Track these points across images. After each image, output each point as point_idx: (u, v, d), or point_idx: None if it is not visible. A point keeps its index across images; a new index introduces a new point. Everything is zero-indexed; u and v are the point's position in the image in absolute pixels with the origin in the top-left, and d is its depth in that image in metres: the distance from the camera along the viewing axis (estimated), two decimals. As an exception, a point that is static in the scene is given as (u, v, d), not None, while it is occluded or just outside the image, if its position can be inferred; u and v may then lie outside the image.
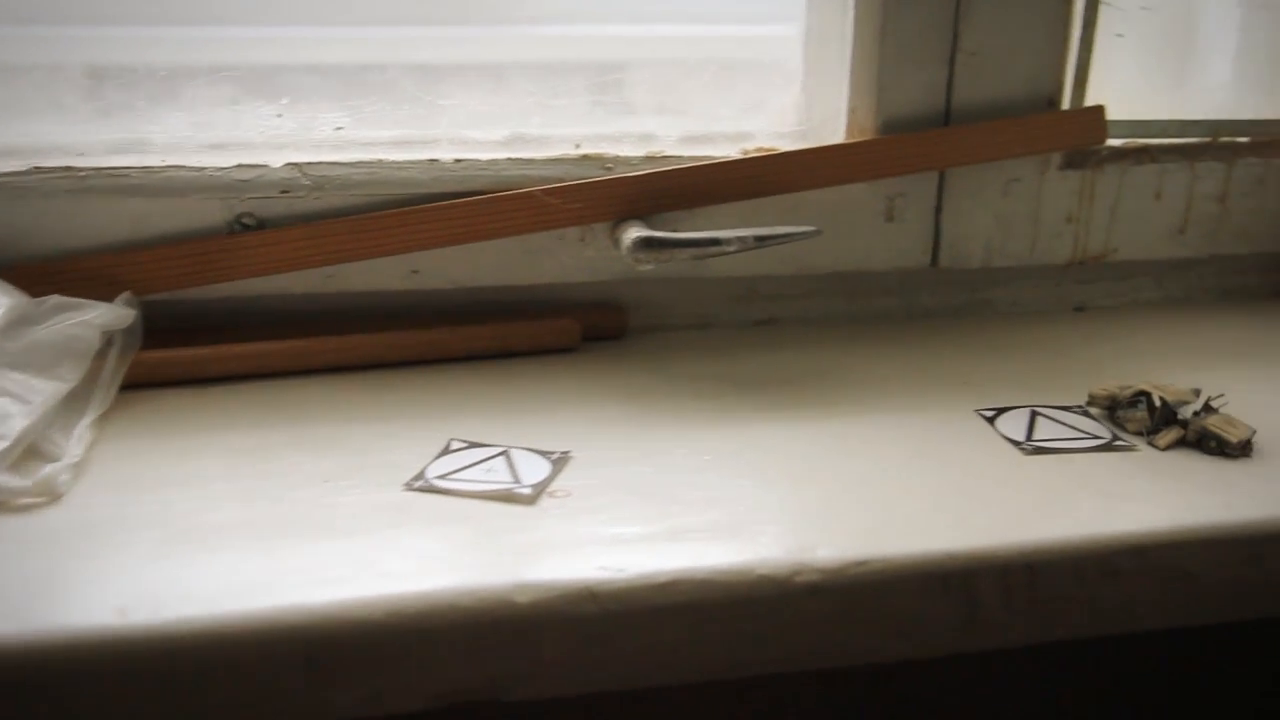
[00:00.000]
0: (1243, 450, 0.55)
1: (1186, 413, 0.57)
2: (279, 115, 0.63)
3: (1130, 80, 0.79)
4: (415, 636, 0.42)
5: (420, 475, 0.52)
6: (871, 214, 0.68)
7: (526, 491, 0.50)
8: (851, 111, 0.67)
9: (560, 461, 0.53)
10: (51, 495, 0.49)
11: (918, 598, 0.46)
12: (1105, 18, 0.70)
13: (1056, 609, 0.47)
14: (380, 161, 0.63)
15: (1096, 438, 0.57)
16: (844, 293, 0.71)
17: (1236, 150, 0.73)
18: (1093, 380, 0.61)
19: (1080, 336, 0.71)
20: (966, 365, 0.65)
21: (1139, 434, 0.57)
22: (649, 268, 0.62)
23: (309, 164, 0.62)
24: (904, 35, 0.65)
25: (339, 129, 0.64)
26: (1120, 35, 0.70)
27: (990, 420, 0.58)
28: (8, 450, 0.50)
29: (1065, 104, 0.70)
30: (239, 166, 0.61)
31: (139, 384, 0.59)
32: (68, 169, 0.60)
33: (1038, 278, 0.73)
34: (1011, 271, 0.72)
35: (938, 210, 0.69)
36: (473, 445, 0.55)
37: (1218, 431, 0.55)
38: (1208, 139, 0.73)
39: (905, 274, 0.70)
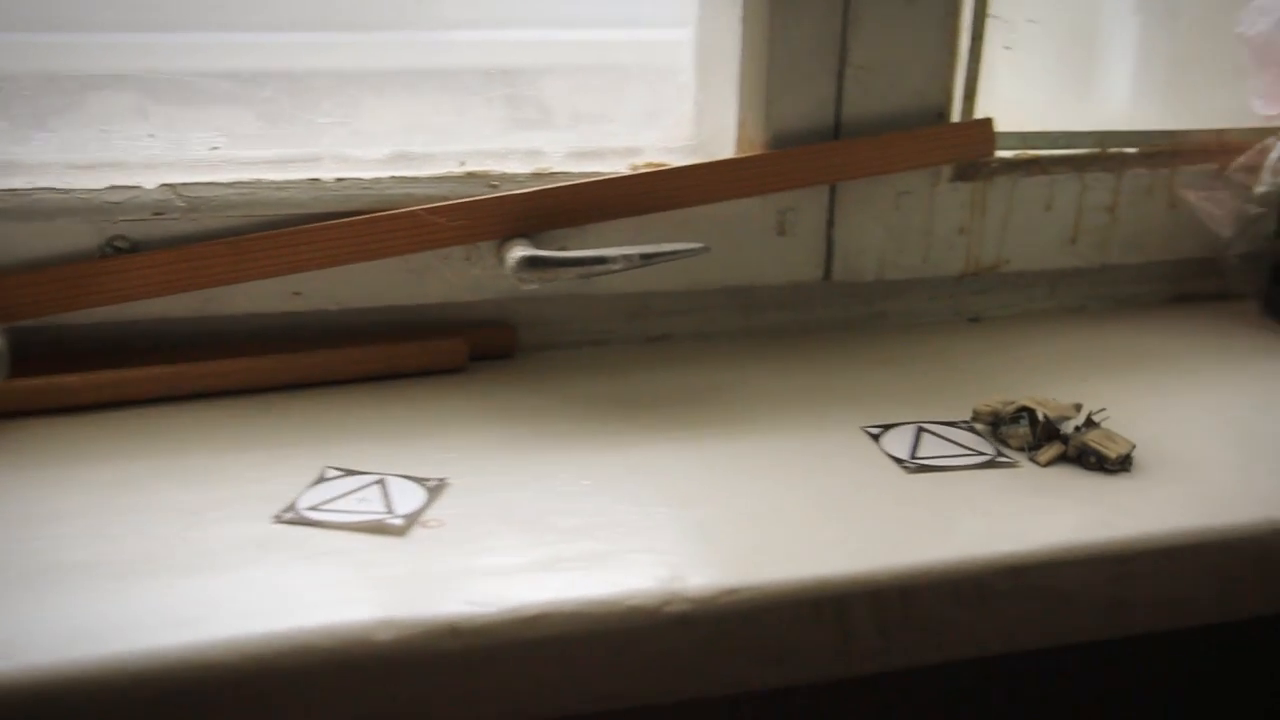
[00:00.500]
0: (1122, 465, 0.55)
1: (1068, 428, 0.57)
2: (151, 135, 0.61)
3: (1021, 92, 0.79)
4: (270, 679, 0.41)
5: (291, 506, 0.50)
6: (763, 228, 0.68)
7: (398, 522, 0.49)
8: (741, 125, 0.67)
9: (437, 489, 0.52)
10: (-100, 536, 0.47)
11: (790, 625, 0.45)
12: (994, 31, 0.70)
13: (932, 632, 0.47)
14: (258, 181, 0.61)
15: (980, 454, 0.57)
16: (738, 307, 0.70)
17: (1124, 161, 0.74)
18: (985, 393, 0.61)
19: (974, 348, 0.71)
20: (858, 380, 0.65)
21: (1021, 450, 0.57)
22: (534, 287, 0.62)
23: (183, 185, 0.60)
24: (792, 49, 0.65)
25: (214, 148, 0.62)
26: (1008, 48, 0.71)
27: (876, 438, 0.58)
28: None
29: (955, 117, 0.70)
30: (111, 188, 0.59)
31: (7, 414, 0.57)
32: (-71, 192, 0.58)
33: (932, 289, 0.73)
34: (905, 284, 0.72)
35: (829, 224, 0.69)
36: (348, 473, 0.53)
37: (1097, 447, 0.55)
38: (1096, 150, 0.74)
39: (798, 288, 0.70)
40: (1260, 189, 0.74)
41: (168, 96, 0.63)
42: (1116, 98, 0.90)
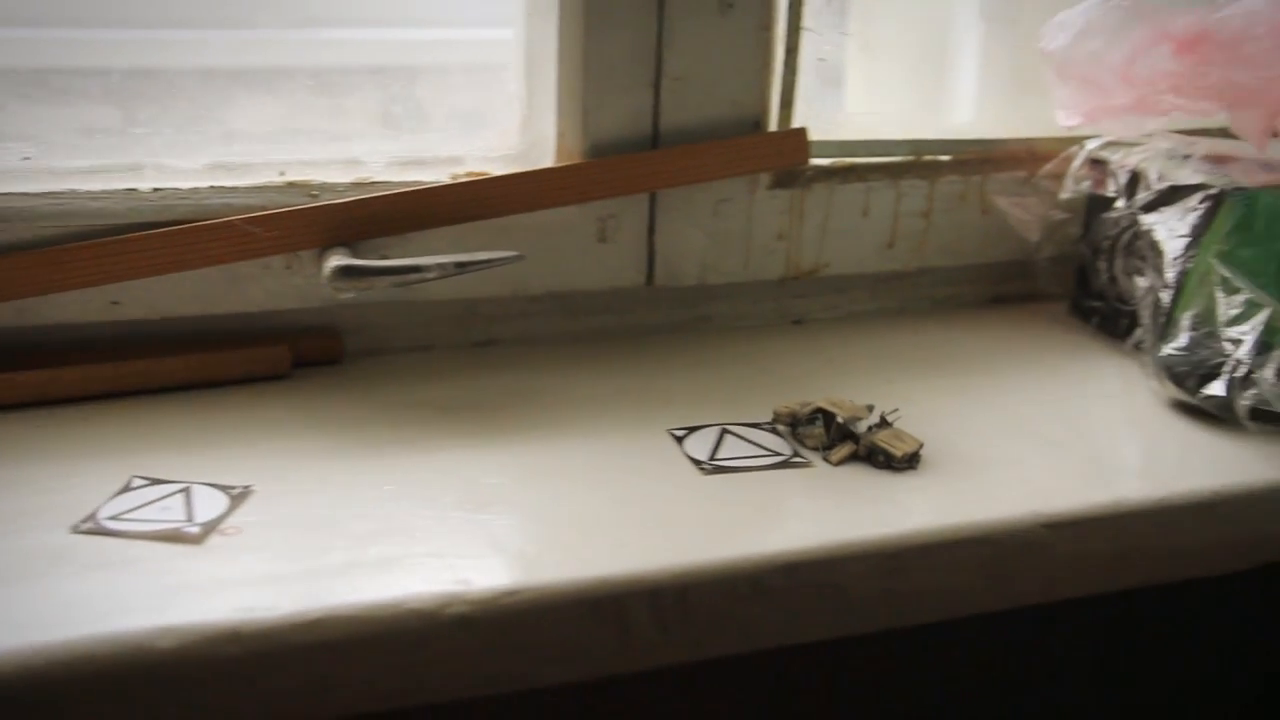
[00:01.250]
0: (908, 463, 0.58)
1: (861, 428, 0.60)
2: (-43, 146, 0.61)
3: (846, 100, 0.83)
4: (52, 689, 0.42)
5: (90, 517, 0.51)
6: (583, 235, 0.70)
7: (195, 530, 0.50)
8: (560, 136, 0.69)
9: (240, 497, 0.53)
10: None
11: (569, 624, 0.47)
12: (810, 43, 0.72)
13: (710, 628, 0.50)
14: (73, 192, 0.62)
15: (776, 455, 0.59)
16: (562, 312, 0.72)
17: (938, 169, 0.77)
18: (799, 394, 0.63)
19: (794, 349, 0.74)
20: (675, 383, 0.67)
21: (816, 450, 0.60)
22: (350, 296, 0.63)
23: (-7, 195, 0.60)
24: (607, 62, 0.67)
25: (26, 159, 0.62)
26: (823, 60, 0.73)
27: (680, 440, 0.60)
28: None
29: (772, 126, 0.72)
30: (-84, 199, 0.59)
31: None
32: None
33: (754, 293, 0.76)
34: (727, 288, 0.75)
35: (650, 230, 0.71)
36: (155, 482, 0.54)
37: (885, 446, 0.58)
38: (911, 158, 0.76)
39: (621, 293, 0.72)
40: (1064, 195, 0.77)
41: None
42: (954, 107, 0.94)
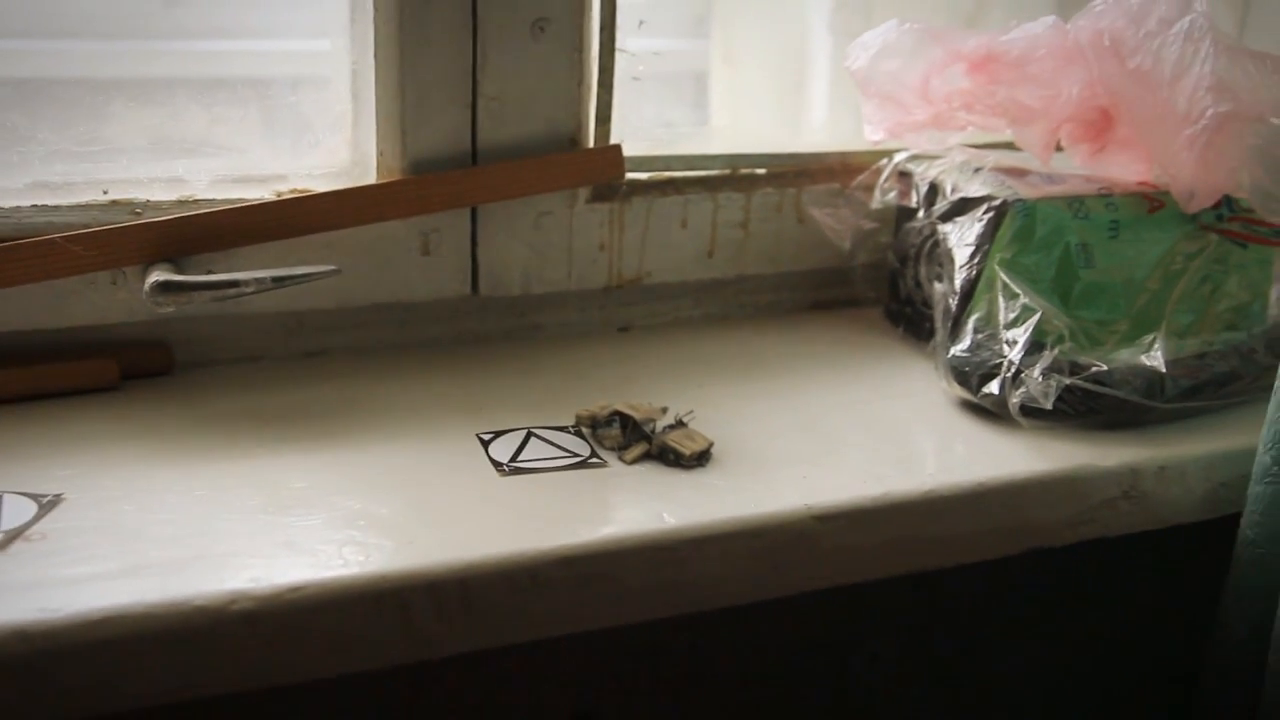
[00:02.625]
0: (698, 461, 0.62)
1: (655, 428, 0.64)
2: None
3: (661, 116, 0.87)
4: None
5: (-102, 526, 0.53)
6: (407, 249, 0.73)
7: (-1, 537, 0.53)
8: (380, 154, 0.72)
9: (49, 505, 0.56)
10: None
11: (352, 618, 0.50)
12: (623, 63, 0.76)
13: (492, 619, 0.53)
14: (-110, 212, 0.64)
15: (575, 455, 0.63)
16: (391, 322, 0.75)
17: (754, 181, 0.81)
18: (613, 397, 0.67)
19: (618, 355, 0.78)
20: (494, 389, 0.71)
21: (613, 450, 0.63)
22: (170, 310, 0.65)
23: None
24: (423, 82, 0.70)
25: None
26: (637, 79, 0.77)
27: (486, 444, 0.64)
28: None
29: (590, 143, 0.76)
30: None
31: None
32: None
33: (580, 302, 0.79)
34: (553, 297, 0.78)
35: (473, 243, 0.74)
36: (-33, 492, 0.57)
37: (675, 445, 0.62)
38: (728, 171, 0.81)
39: (447, 303, 0.75)
40: (874, 206, 0.82)
41: None
42: (808, 118, 0.98)
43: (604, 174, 0.76)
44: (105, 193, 0.68)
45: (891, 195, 0.81)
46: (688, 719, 0.69)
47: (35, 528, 0.54)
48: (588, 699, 0.67)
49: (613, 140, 0.77)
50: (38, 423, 0.64)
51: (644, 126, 0.82)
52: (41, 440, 0.62)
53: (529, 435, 0.65)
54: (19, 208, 0.66)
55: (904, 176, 0.81)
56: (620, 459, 0.62)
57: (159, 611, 0.48)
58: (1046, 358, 0.68)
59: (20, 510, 0.55)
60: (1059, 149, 0.77)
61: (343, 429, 0.65)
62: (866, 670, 0.72)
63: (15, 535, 0.53)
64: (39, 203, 0.66)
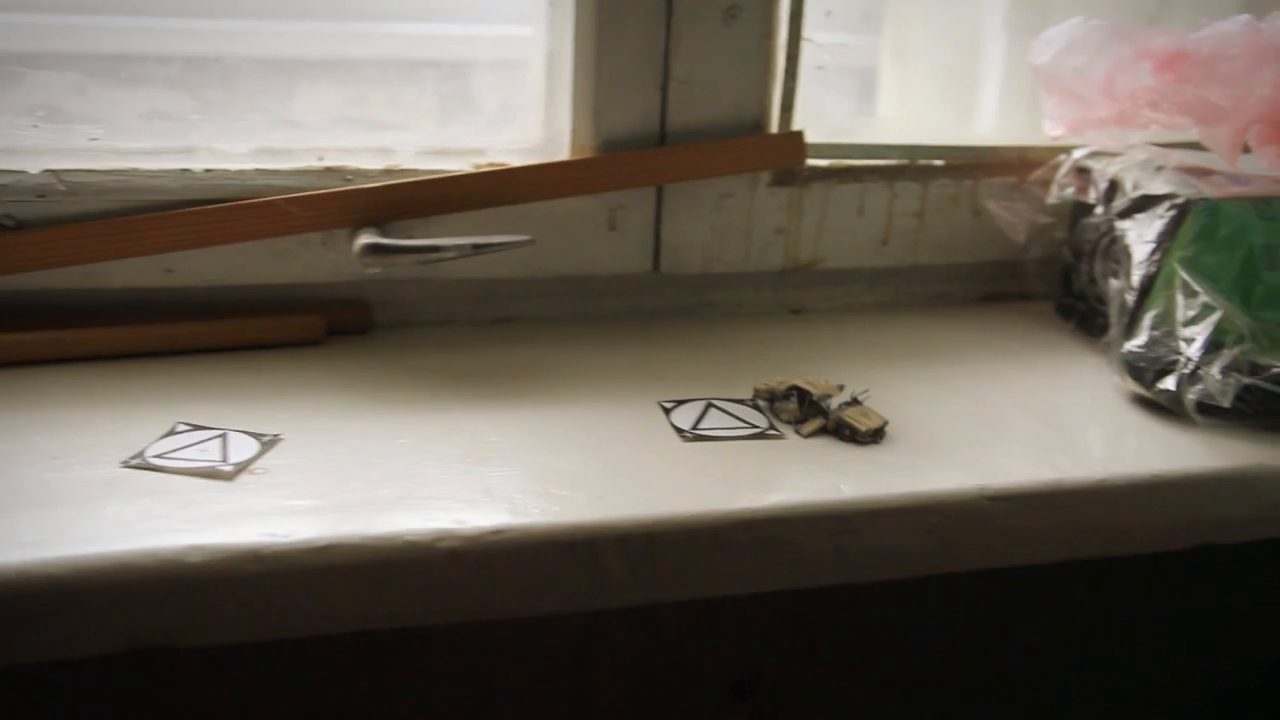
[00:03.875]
0: (872, 438, 0.64)
1: (832, 405, 0.66)
2: (34, 125, 0.69)
3: (832, 108, 0.88)
4: (95, 591, 0.49)
5: (139, 454, 0.58)
6: (595, 224, 0.76)
7: (228, 469, 0.57)
8: (574, 132, 0.75)
9: (270, 443, 0.60)
10: None
11: (547, 562, 0.54)
12: (809, 52, 0.78)
13: (674, 574, 0.56)
14: (134, 170, 0.69)
15: (753, 427, 0.65)
16: (574, 294, 0.79)
17: (931, 172, 0.82)
18: (789, 376, 0.69)
19: (789, 336, 0.80)
20: (673, 362, 0.73)
21: (789, 424, 0.66)
22: (376, 271, 0.70)
23: (65, 171, 0.68)
24: (618, 65, 0.73)
25: (94, 139, 0.70)
26: (821, 68, 0.79)
27: (668, 411, 0.67)
28: None
29: (773, 128, 0.78)
30: (-1, 171, 0.67)
31: (-98, 369, 0.65)
32: None
33: (755, 283, 0.82)
34: (730, 277, 0.81)
35: (657, 221, 0.77)
36: (196, 428, 0.62)
37: (851, 421, 0.64)
38: (906, 162, 0.82)
39: (629, 278, 0.79)
40: (1050, 200, 0.82)
41: (48, 93, 0.71)
42: (979, 114, 0.99)
43: (786, 159, 0.78)
44: (320, 159, 0.72)
45: (1069, 190, 0.82)
46: (843, 693, 0.71)
47: (259, 463, 0.58)
48: (746, 668, 0.70)
49: (794, 127, 0.79)
50: (254, 370, 0.69)
51: (823, 115, 0.84)
52: (258, 386, 0.67)
53: (708, 406, 0.67)
54: (243, 171, 0.71)
55: (1082, 172, 0.81)
56: (797, 432, 0.65)
57: (374, 543, 0.52)
58: (1225, 356, 0.68)
59: (245, 447, 0.60)
60: (1246, 150, 0.77)
61: (530, 390, 0.68)
62: (1024, 653, 0.73)
63: (243, 468, 0.57)
64: (261, 166, 0.71)
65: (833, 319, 0.83)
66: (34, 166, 0.67)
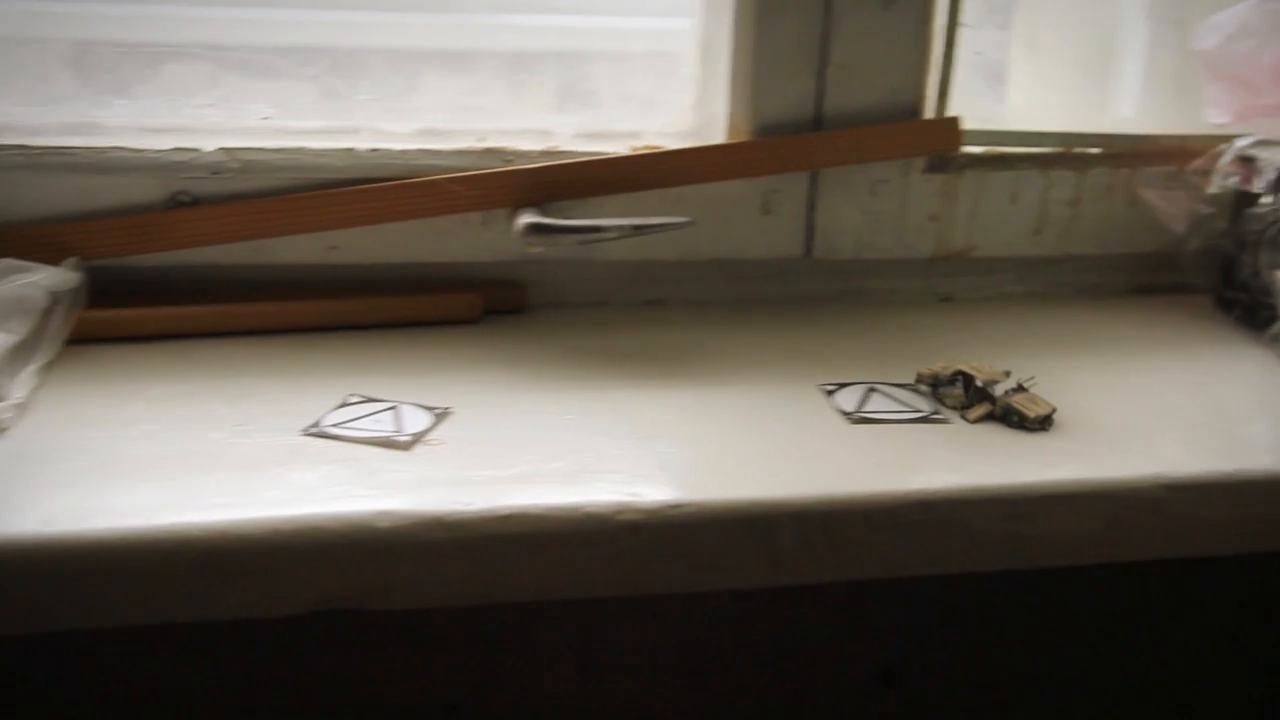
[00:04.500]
0: (1041, 425, 0.63)
1: (998, 391, 0.65)
2: (211, 105, 0.71)
3: (1009, 95, 0.87)
4: (287, 553, 0.50)
5: (316, 424, 0.59)
6: (749, 208, 0.76)
7: (405, 439, 0.58)
8: (731, 116, 0.75)
9: (441, 416, 0.61)
10: (-5, 430, 0.57)
11: (725, 538, 0.54)
12: (968, 38, 0.77)
13: (849, 553, 0.55)
14: (302, 149, 0.70)
15: (918, 411, 0.65)
16: (725, 278, 0.79)
17: (1087, 160, 0.81)
18: (941, 362, 0.68)
19: (941, 323, 0.79)
20: (826, 346, 0.73)
21: (955, 409, 0.65)
22: (538, 250, 0.70)
23: (238, 149, 0.69)
24: (777, 49, 0.73)
25: (266, 118, 0.71)
26: (979, 54, 0.78)
27: (830, 394, 0.66)
28: (-42, 390, 0.58)
29: (928, 114, 0.77)
30: (176, 149, 0.69)
31: (82, 339, 0.67)
32: (22, 147, 0.68)
33: (906, 270, 0.81)
34: (881, 263, 0.80)
35: (810, 206, 0.77)
36: (367, 400, 0.62)
37: (1019, 408, 0.63)
38: (1061, 150, 0.81)
39: (781, 262, 0.78)
40: (1212, 190, 0.81)
41: (230, 69, 0.72)
42: (1114, 103, 0.97)
43: (942, 145, 0.77)
44: (481, 140, 0.73)
45: (1232, 180, 0.80)
46: (993, 684, 0.70)
47: (433, 434, 0.59)
48: (895, 655, 0.69)
49: (949, 113, 0.78)
50: (416, 346, 0.70)
51: (975, 102, 0.83)
52: (421, 361, 0.68)
53: (870, 389, 0.67)
54: (406, 151, 0.72)
55: (1247, 161, 0.79)
56: (963, 417, 0.64)
57: (555, 514, 0.52)
58: (1406, 349, 0.66)
59: (418, 419, 0.60)
60: None
61: (688, 371, 0.68)
62: (1188, 646, 0.72)
63: (418, 438, 0.58)
64: (424, 146, 0.72)
65: (983, 308, 0.82)
66: (209, 144, 0.69)
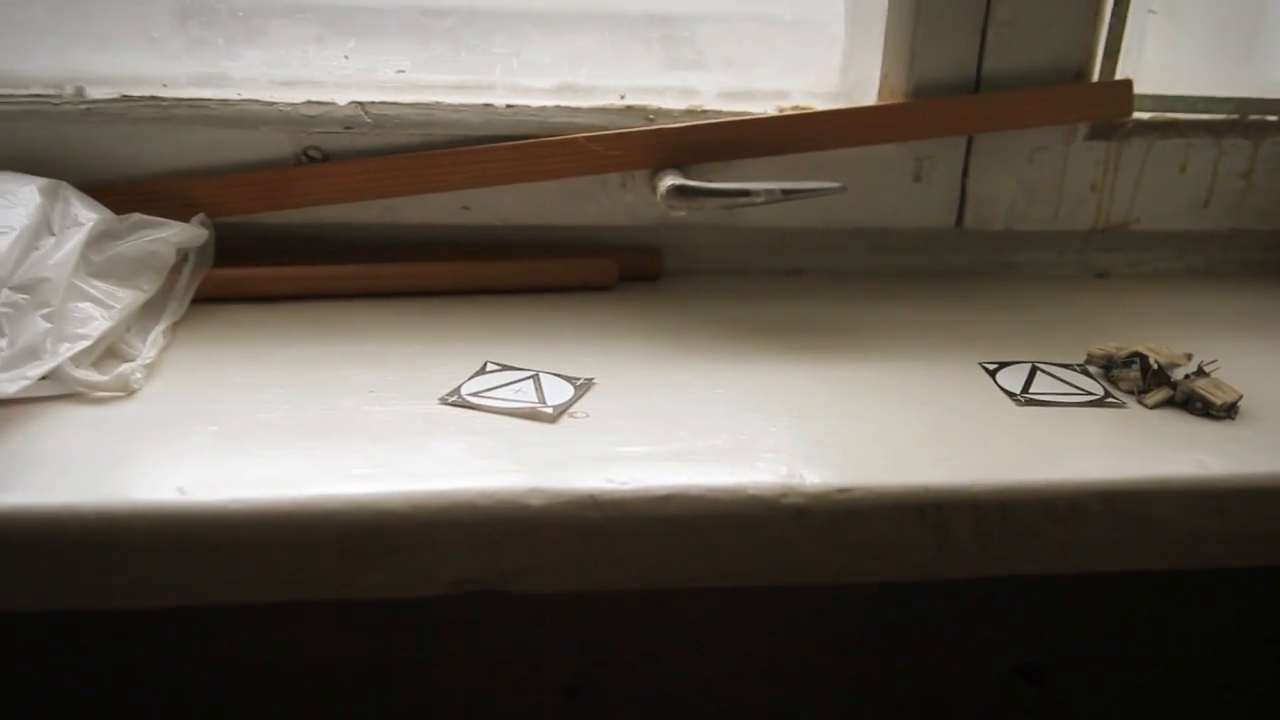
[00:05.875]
0: (1227, 413, 0.58)
1: (1178, 375, 0.60)
2: (346, 57, 0.68)
3: (1166, 56, 0.81)
4: (433, 529, 0.47)
5: (455, 391, 0.57)
6: (899, 174, 0.72)
7: (549, 411, 0.55)
8: (884, 76, 0.71)
9: (584, 387, 0.58)
10: (126, 391, 0.55)
11: (894, 525, 0.50)
12: (1139, -6, 0.72)
13: (1026, 545, 0.52)
14: (437, 104, 0.67)
15: (1089, 394, 0.60)
16: (870, 247, 0.74)
17: (1264, 129, 0.76)
18: (1103, 341, 0.64)
19: (1097, 301, 0.74)
20: (980, 321, 0.69)
21: (1130, 393, 0.60)
22: (682, 214, 0.67)
23: (371, 103, 0.67)
24: (938, 5, 0.69)
25: (400, 72, 0.69)
26: (1153, 11, 0.73)
27: (992, 373, 0.62)
28: (90, 349, 0.56)
29: (1095, 76, 0.72)
30: (308, 103, 0.66)
31: (209, 298, 0.65)
32: (154, 98, 0.65)
33: (1060, 243, 0.76)
34: (1035, 236, 0.76)
35: (964, 173, 0.72)
36: (506, 368, 0.60)
37: (1204, 394, 0.58)
38: (1236, 116, 0.75)
39: (930, 233, 0.74)
40: (1399, 164, 0.75)
41: (360, 21, 0.69)
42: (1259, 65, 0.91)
43: (1111, 110, 0.72)
44: (622, 98, 0.70)
45: None
46: (1140, 685, 0.66)
47: (577, 406, 0.56)
48: (1038, 651, 0.65)
49: (1119, 76, 0.73)
50: (551, 312, 0.67)
51: (1142, 63, 0.77)
52: (557, 328, 0.65)
53: (1034, 369, 0.63)
54: (545, 107, 0.68)
55: None
56: (1140, 402, 0.59)
57: (715, 495, 0.49)
58: None
59: (560, 390, 0.57)
60: None
61: (837, 345, 0.64)
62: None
63: (563, 410, 0.55)
64: (563, 104, 0.68)
65: (1141, 285, 0.77)
66: (342, 98, 0.66)
